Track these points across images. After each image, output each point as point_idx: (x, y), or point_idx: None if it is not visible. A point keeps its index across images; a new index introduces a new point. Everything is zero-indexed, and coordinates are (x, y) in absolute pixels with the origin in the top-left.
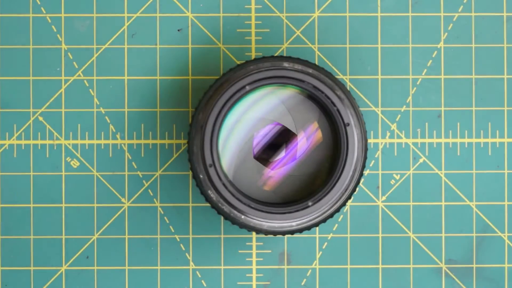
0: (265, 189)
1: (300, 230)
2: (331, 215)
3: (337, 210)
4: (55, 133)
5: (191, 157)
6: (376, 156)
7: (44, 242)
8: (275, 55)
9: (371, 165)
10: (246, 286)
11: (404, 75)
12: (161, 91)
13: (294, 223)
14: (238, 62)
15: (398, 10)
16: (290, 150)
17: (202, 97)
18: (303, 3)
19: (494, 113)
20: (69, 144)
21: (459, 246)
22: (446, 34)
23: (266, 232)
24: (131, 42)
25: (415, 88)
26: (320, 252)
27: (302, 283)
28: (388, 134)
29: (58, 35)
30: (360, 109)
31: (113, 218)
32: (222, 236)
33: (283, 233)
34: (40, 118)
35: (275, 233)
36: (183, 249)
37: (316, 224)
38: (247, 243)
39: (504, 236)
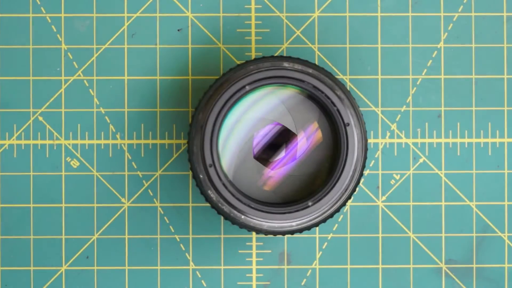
0: (265, 189)
1: (300, 230)
2: (331, 215)
3: (337, 210)
4: (55, 133)
5: (191, 157)
6: (376, 156)
7: (44, 242)
8: (275, 55)
9: (371, 165)
10: (246, 286)
11: (404, 75)
12: (161, 91)
13: (294, 223)
14: (238, 62)
15: (398, 10)
16: (290, 150)
17: (202, 97)
18: (303, 3)
19: (494, 113)
20: (69, 144)
21: (459, 246)
22: (446, 34)
23: (266, 232)
24: (131, 42)
25: (415, 88)
26: (320, 252)
27: (302, 283)
28: (388, 134)
29: (58, 35)
30: (360, 109)
31: (113, 218)
32: (222, 236)
33: (283, 233)
34: (40, 118)
35: (275, 233)
36: (183, 249)
37: (316, 224)
38: (247, 243)
39: (504, 236)
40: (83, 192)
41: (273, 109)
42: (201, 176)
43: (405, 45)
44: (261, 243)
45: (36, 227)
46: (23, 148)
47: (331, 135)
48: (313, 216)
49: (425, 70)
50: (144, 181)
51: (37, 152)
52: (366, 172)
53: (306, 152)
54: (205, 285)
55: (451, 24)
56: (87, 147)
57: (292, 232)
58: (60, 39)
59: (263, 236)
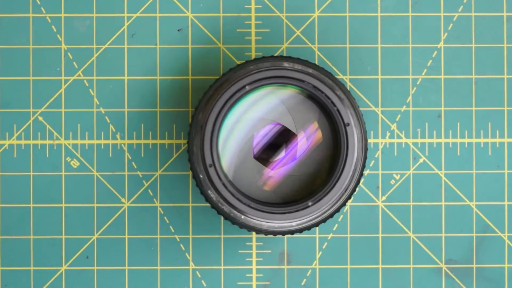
0: (265, 189)
1: (300, 230)
2: (331, 215)
3: (337, 210)
4: (55, 133)
5: (191, 157)
6: (376, 156)
7: (44, 242)
8: (275, 55)
9: (371, 165)
10: (246, 286)
11: (404, 75)
12: (161, 91)
13: (294, 223)
14: (238, 62)
15: (398, 10)
16: (290, 150)
17: (202, 97)
18: (303, 3)
19: (494, 113)
20: (69, 144)
21: (459, 246)
22: (446, 34)
23: (266, 232)
24: (131, 42)
25: (415, 88)
26: (320, 252)
27: (302, 283)
28: (388, 134)
29: (58, 35)
30: (360, 109)
31: (113, 218)
32: (222, 236)
33: (283, 233)
34: (40, 118)
35: (275, 233)
36: (183, 249)
37: (316, 224)
38: (247, 243)
39: (504, 236)
40: (83, 192)
41: (273, 109)
42: (201, 176)
43: (405, 45)
44: (261, 243)
45: (36, 227)
46: (23, 148)
47: (331, 135)
48: (313, 216)
49: (425, 70)
50: (144, 181)
51: (37, 152)
52: (366, 172)
53: (306, 152)
54: (205, 285)
55: (451, 24)
56: (87, 147)
57: (292, 232)
58: (60, 39)
59: (263, 236)
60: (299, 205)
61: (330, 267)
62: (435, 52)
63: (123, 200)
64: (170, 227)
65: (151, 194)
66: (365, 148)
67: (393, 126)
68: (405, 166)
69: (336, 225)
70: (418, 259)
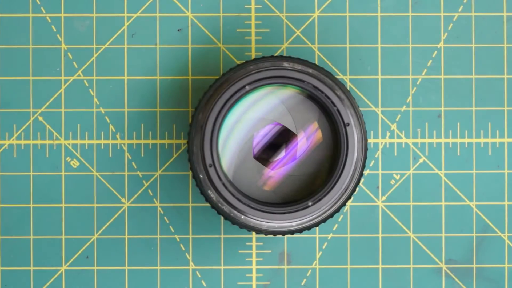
0: (265, 189)
1: (300, 230)
2: (331, 215)
3: (337, 210)
4: (55, 133)
5: (191, 157)
6: (376, 156)
7: (44, 242)
8: (275, 55)
9: (371, 165)
10: (246, 286)
11: (404, 75)
12: (161, 91)
13: (294, 223)
14: (238, 62)
15: (398, 10)
16: (290, 150)
17: (202, 97)
18: (303, 3)
19: (494, 113)
20: (69, 144)
21: (459, 246)
22: (446, 34)
23: (266, 232)
24: (131, 42)
25: (415, 88)
26: (320, 252)
27: (302, 283)
28: (388, 134)
29: (58, 35)
30: (360, 109)
31: (113, 218)
32: (222, 236)
33: (283, 233)
34: (40, 118)
35: (275, 233)
36: (183, 249)
37: (316, 224)
38: (247, 243)
39: (504, 236)
40: (83, 192)
41: (273, 109)
42: (201, 176)
43: (405, 45)
44: (261, 243)
45: (36, 227)
46: (23, 148)
47: (331, 135)
48: (313, 216)
49: (425, 70)
50: (144, 181)
51: (37, 152)
52: (366, 172)
53: (306, 152)
54: (205, 285)
55: (451, 24)
56: (87, 147)
57: (292, 232)
58: (60, 39)
59: (263, 236)
60: (299, 205)
61: (330, 267)
62: (435, 52)
63: (123, 200)
64: (170, 227)
65: (151, 194)
66: (365, 148)
67: (393, 126)
68: (405, 166)
69: (336, 225)
70: (418, 259)
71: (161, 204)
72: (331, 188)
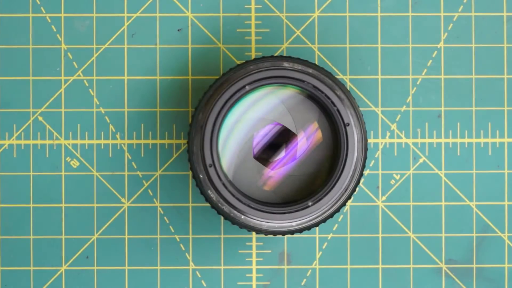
0: (265, 189)
1: (300, 230)
2: (331, 215)
3: (337, 210)
4: (55, 133)
5: (191, 157)
6: (376, 156)
7: (44, 242)
8: (275, 55)
9: (371, 165)
10: (246, 286)
11: (404, 75)
12: (161, 91)
13: (294, 223)
14: (238, 62)
15: (398, 10)
16: (290, 150)
17: (202, 97)
18: (303, 3)
19: (494, 113)
20: (69, 144)
21: (459, 246)
22: (446, 34)
23: (266, 232)
24: (131, 42)
25: (415, 88)
26: (320, 252)
27: (302, 283)
28: (388, 134)
29: (58, 35)
30: (360, 109)
31: (113, 218)
32: (222, 236)
33: (283, 233)
34: (40, 118)
35: (275, 233)
36: (183, 249)
37: (316, 224)
38: (247, 243)
39: (504, 236)
40: (83, 192)
41: (273, 109)
42: (201, 176)
43: (405, 45)
44: (261, 243)
45: (36, 227)
46: (23, 148)
47: (331, 135)
48: (313, 216)
49: (425, 70)
50: (144, 181)
51: (37, 152)
52: (366, 172)
53: (306, 152)
54: (205, 285)
55: (451, 24)
56: (87, 147)
57: (292, 232)
58: (60, 39)
59: (263, 236)
60: (299, 205)
61: (330, 267)
62: (435, 52)
63: (123, 200)
64: (170, 227)
65: (151, 194)
66: (365, 148)
67: (393, 126)
68: (405, 166)
69: (336, 225)
70: (418, 259)
71: (161, 204)
72: (331, 188)
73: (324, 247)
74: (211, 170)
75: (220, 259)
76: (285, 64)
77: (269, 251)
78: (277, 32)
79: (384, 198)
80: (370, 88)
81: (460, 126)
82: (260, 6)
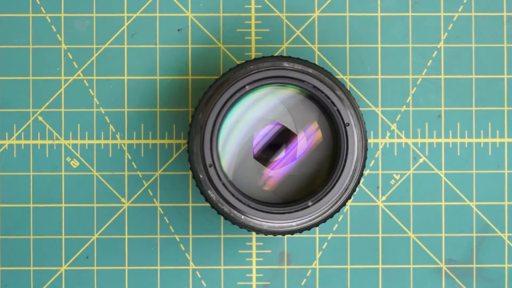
0: (265, 189)
1: (300, 230)
2: (331, 215)
3: (337, 210)
4: (55, 133)
5: (191, 157)
6: (376, 156)
7: (44, 242)
8: (275, 55)
9: (371, 165)
10: (246, 286)
11: (404, 75)
12: (161, 91)
13: (294, 223)
14: (238, 62)
15: (398, 10)
16: (290, 150)
17: (202, 97)
18: (303, 3)
19: (494, 113)
20: (69, 144)
21: (459, 246)
22: (446, 34)
23: (266, 232)
24: (131, 42)
25: (415, 88)
26: (320, 252)
27: (302, 283)
28: (388, 134)
29: (58, 35)
30: (360, 109)
31: (113, 218)
32: (222, 236)
33: (283, 233)
34: (40, 118)
35: (275, 233)
36: (183, 249)
37: (316, 224)
38: (247, 243)
39: (504, 236)
40: (83, 192)
41: (273, 109)
42: (201, 176)
43: (405, 45)
44: (261, 243)
45: (36, 227)
46: (23, 148)
47: (331, 135)
48: (313, 216)
49: (425, 70)
50: (144, 181)
51: (37, 152)
52: (366, 172)
53: (306, 152)
54: (205, 285)
55: (451, 24)
56: (87, 147)
57: (292, 232)
58: (60, 39)
59: (263, 236)
60: (299, 205)
61: (330, 267)
62: (435, 52)
63: (123, 200)
64: (170, 227)
65: (151, 194)
66: (365, 148)
67: (393, 126)
68: (405, 166)
69: (336, 225)
70: (418, 259)
71: (161, 204)
72: (331, 188)
73: (324, 247)
74: (211, 170)
75: (220, 259)
76: (285, 64)
77: (269, 251)
78: (277, 32)
79: (384, 198)
80: (370, 88)
81: (460, 126)
82: (260, 6)
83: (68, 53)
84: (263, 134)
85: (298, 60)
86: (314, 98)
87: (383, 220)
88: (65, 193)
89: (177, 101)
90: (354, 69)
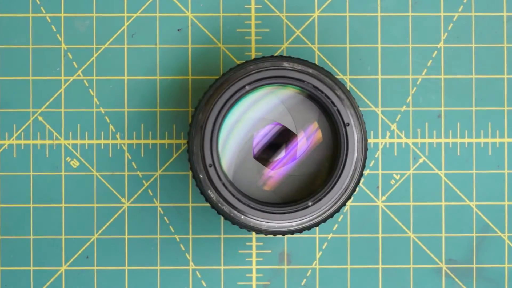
0: (265, 189)
1: (300, 230)
2: (331, 215)
3: (337, 210)
4: (55, 133)
5: (191, 157)
6: (376, 156)
7: (44, 242)
8: (275, 55)
9: (371, 165)
10: (246, 286)
11: (404, 75)
12: (161, 91)
13: (294, 223)
14: (238, 62)
15: (398, 10)
16: (290, 150)
17: (202, 97)
18: (303, 3)
19: (494, 113)
20: (69, 144)
21: (459, 246)
22: (446, 34)
23: (266, 232)
24: (131, 42)
25: (415, 88)
26: (320, 252)
27: (302, 283)
28: (388, 134)
29: (58, 35)
30: (360, 109)
31: (113, 218)
32: (222, 236)
33: (283, 233)
34: (40, 118)
35: (275, 233)
36: (183, 249)
37: (316, 224)
38: (247, 243)
39: (504, 236)
40: (83, 192)
41: (273, 109)
42: (201, 176)
43: (405, 45)
44: (261, 243)
45: (36, 227)
46: (23, 148)
47: (331, 135)
48: (313, 216)
49: (425, 70)
50: (144, 181)
51: (37, 152)
52: (366, 172)
53: (306, 152)
54: (205, 285)
55: (451, 24)
56: (87, 147)
57: (292, 232)
58: (60, 39)
59: (263, 236)
60: (299, 205)
61: (330, 267)
62: (435, 52)
63: (123, 200)
64: (170, 227)
65: (151, 194)
66: (365, 148)
67: (393, 126)
68: (405, 166)
69: (336, 225)
70: (418, 259)
71: (161, 204)
72: (331, 188)
73: (324, 247)
74: (211, 170)
75: (220, 259)
76: (285, 64)
77: (269, 251)
78: (277, 32)
79: (384, 198)
80: (370, 88)
81: (460, 126)
82: (260, 6)
83: (68, 53)
84: (263, 134)
85: (298, 60)
86: (314, 98)
87: (383, 220)
88: (65, 193)
89: (177, 101)
90: (354, 69)
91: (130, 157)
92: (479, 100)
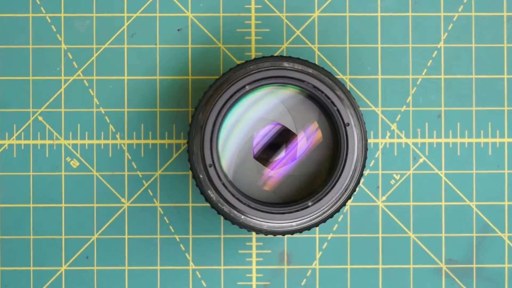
0: (265, 189)
1: (300, 230)
2: (331, 215)
3: (337, 210)
4: (55, 133)
5: (191, 157)
6: (376, 156)
7: (44, 242)
8: (275, 55)
9: (371, 165)
10: (246, 286)
11: (404, 75)
12: (161, 91)
13: (294, 223)
14: (238, 62)
15: (398, 10)
16: (290, 150)
17: (202, 97)
18: (303, 3)
19: (494, 113)
20: (68, 144)
21: (459, 246)
22: (446, 34)
23: (266, 232)
24: (131, 42)
25: (415, 88)
26: (320, 252)
27: (302, 283)
28: (388, 134)
29: (58, 35)
30: (360, 109)
31: (113, 218)
32: (222, 236)
33: (283, 233)
34: (40, 118)
35: (275, 233)
36: (183, 249)
37: (316, 224)
38: (247, 243)
39: (504, 236)
40: (83, 192)
41: (273, 109)
42: (201, 176)
43: (405, 45)
44: (261, 243)
45: (35, 227)
46: (23, 148)
47: (331, 135)
48: (313, 216)
49: (425, 70)
50: (144, 181)
51: (37, 152)
52: (366, 172)
53: (306, 152)
54: (205, 285)
55: (451, 24)
56: (87, 147)
57: (292, 232)
58: (60, 39)
59: (263, 236)
60: (299, 205)
61: (330, 267)
62: (435, 52)
63: (123, 200)
64: (170, 227)
65: (151, 194)
66: (365, 148)
67: (393, 126)
68: (405, 166)
69: (336, 225)
70: (418, 259)
71: (161, 204)
72: (331, 188)
73: (324, 247)
74: (211, 170)
75: (220, 259)
76: (285, 64)
77: (269, 251)
78: (277, 32)
79: (384, 198)
80: (370, 88)
81: (460, 126)
82: (260, 6)
83: (68, 53)
84: (263, 134)
85: (298, 60)
86: (314, 98)
87: (383, 220)
88: (65, 193)
89: (177, 101)
90: (354, 69)
91: (130, 157)
92: (479, 100)
